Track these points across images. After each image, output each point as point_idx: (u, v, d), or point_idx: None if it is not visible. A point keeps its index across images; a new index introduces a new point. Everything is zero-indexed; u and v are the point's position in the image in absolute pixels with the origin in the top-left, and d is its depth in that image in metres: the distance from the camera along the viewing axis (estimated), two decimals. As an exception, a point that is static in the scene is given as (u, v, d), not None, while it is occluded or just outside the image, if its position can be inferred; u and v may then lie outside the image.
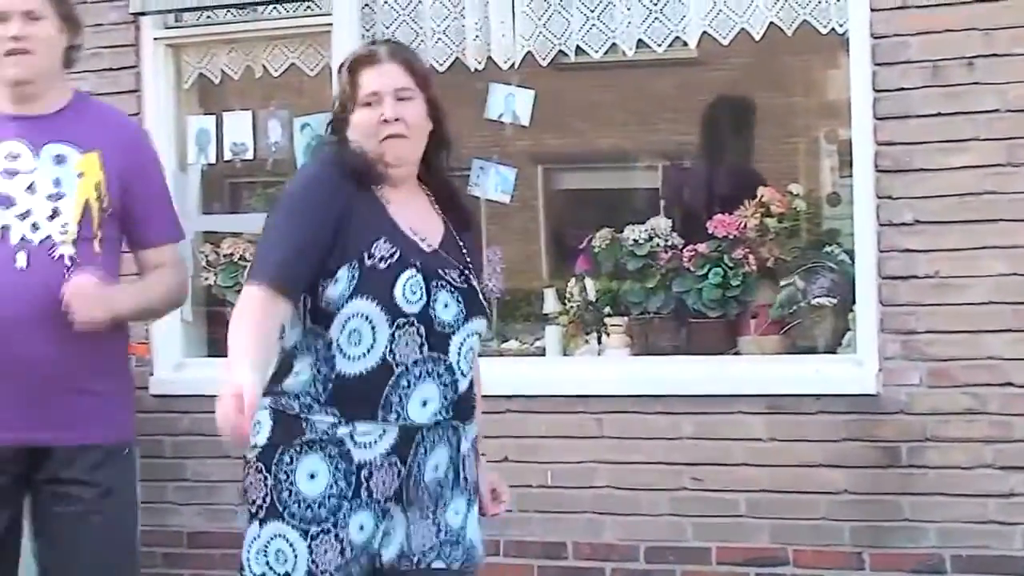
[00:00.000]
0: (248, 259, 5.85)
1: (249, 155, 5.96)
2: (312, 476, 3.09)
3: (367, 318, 3.07)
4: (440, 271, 3.15)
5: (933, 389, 4.91)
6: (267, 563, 3.11)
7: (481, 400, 3.35)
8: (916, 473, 4.93)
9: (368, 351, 3.09)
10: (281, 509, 3.10)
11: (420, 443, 3.13)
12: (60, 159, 3.62)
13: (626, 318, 5.51)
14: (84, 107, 3.77)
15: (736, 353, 5.39)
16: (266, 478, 3.10)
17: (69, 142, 3.63)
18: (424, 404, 3.12)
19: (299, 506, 3.09)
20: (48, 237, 3.55)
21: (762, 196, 5.38)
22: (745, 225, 5.36)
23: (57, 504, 3.61)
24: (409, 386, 3.10)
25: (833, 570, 5.02)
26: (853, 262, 5.12)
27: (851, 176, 5.09)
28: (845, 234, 5.30)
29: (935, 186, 4.89)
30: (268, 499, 3.10)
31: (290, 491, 3.09)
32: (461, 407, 3.19)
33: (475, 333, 3.20)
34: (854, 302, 5.11)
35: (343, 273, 3.07)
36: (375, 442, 3.11)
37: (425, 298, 3.10)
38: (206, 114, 6.01)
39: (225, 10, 5.82)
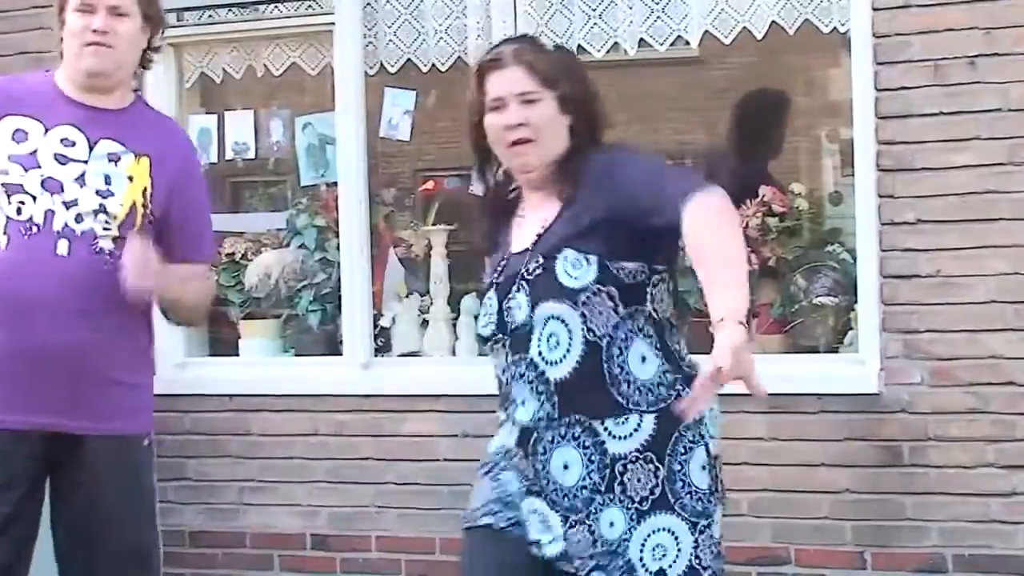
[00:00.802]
0: (250, 258, 5.92)
1: (251, 154, 6.00)
2: (498, 436, 3.26)
3: None
4: (522, 270, 3.12)
5: (935, 388, 4.91)
6: None
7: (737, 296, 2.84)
8: (918, 472, 4.93)
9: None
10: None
11: (537, 441, 3.11)
12: (113, 158, 3.65)
13: (628, 317, 5.51)
14: (143, 111, 3.81)
15: (738, 352, 5.37)
16: None
17: (123, 143, 3.66)
18: (523, 404, 3.13)
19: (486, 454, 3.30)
20: (91, 230, 3.58)
21: (764, 195, 5.38)
22: (747, 224, 5.33)
23: (80, 491, 3.65)
24: (508, 395, 3.16)
25: (835, 569, 5.02)
26: (855, 261, 5.12)
27: (853, 175, 5.09)
28: (847, 233, 5.30)
29: (937, 185, 4.88)
30: None
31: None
32: (576, 398, 3.08)
33: (552, 317, 3.07)
34: (856, 301, 5.12)
35: None
36: (509, 433, 3.18)
37: (498, 313, 3.14)
38: (208, 113, 6.04)
39: (227, 9, 5.83)
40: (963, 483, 4.87)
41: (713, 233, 2.92)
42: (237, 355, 5.96)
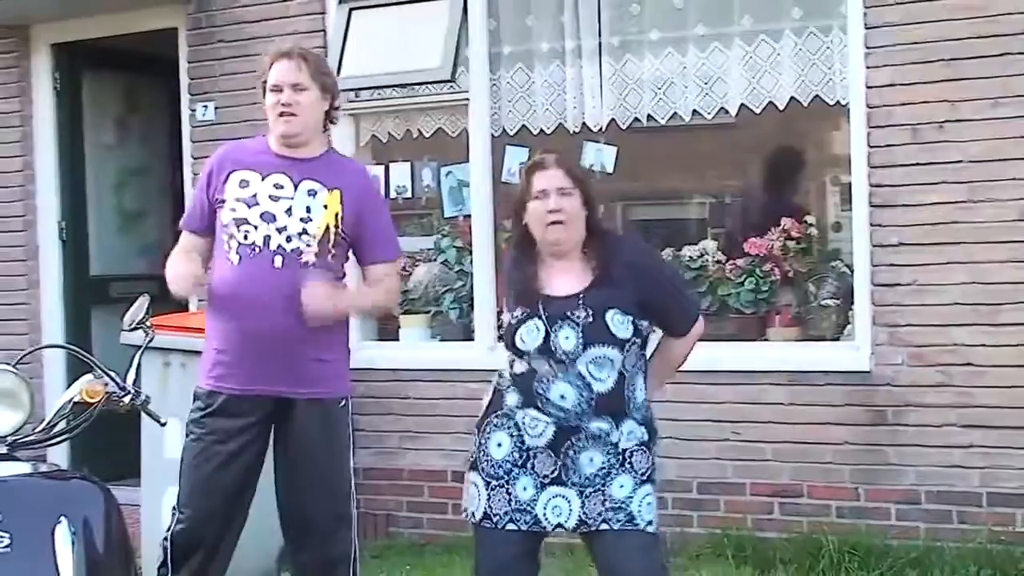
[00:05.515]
0: (408, 271, 5.86)
1: (408, 195, 6.03)
2: (499, 445, 3.27)
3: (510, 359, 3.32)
4: (567, 313, 3.19)
5: (913, 368, 4.92)
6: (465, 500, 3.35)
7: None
8: (899, 430, 4.95)
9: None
10: (479, 463, 3.31)
11: (572, 445, 3.19)
12: (312, 193, 3.68)
13: (684, 314, 5.54)
14: (333, 158, 3.82)
15: (765, 340, 5.39)
16: (475, 438, 3.33)
17: (320, 181, 3.69)
18: (563, 397, 3.19)
19: (488, 463, 3.29)
20: (297, 248, 3.63)
21: (784, 225, 5.40)
22: (772, 246, 5.38)
23: (292, 438, 3.70)
24: (538, 389, 3.20)
25: (837, 500, 5.04)
26: (852, 273, 5.14)
27: (851, 209, 5.11)
28: (846, 252, 5.30)
29: (914, 217, 4.90)
30: (474, 454, 3.33)
31: (485, 452, 3.30)
32: (604, 406, 3.19)
33: (599, 357, 3.18)
34: (853, 303, 5.13)
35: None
36: (540, 434, 3.21)
37: (543, 337, 3.19)
38: (376, 164, 6.02)
39: (391, 89, 5.89)
40: (933, 438, 4.89)
41: (684, 352, 3.42)
42: (398, 340, 5.99)
